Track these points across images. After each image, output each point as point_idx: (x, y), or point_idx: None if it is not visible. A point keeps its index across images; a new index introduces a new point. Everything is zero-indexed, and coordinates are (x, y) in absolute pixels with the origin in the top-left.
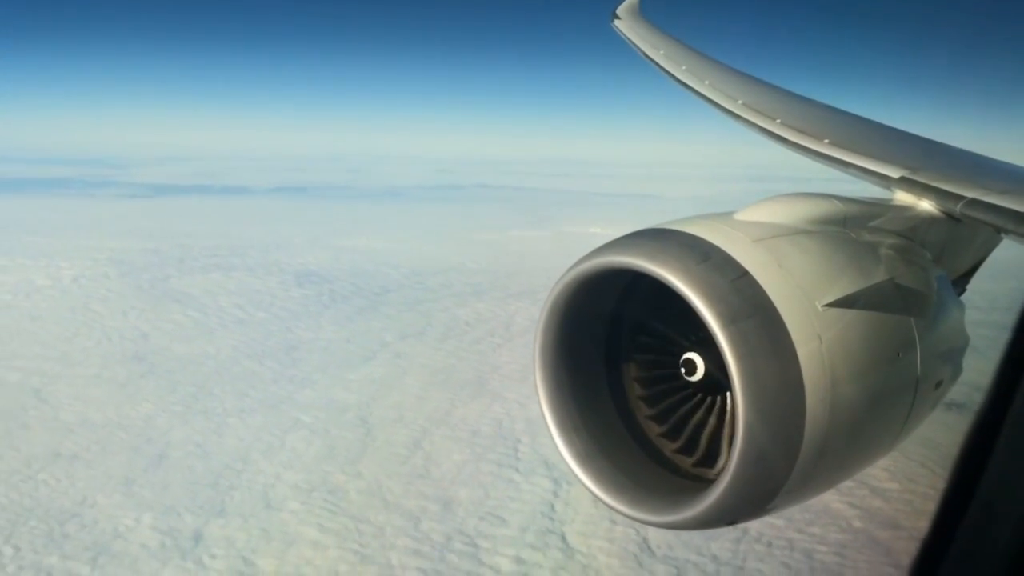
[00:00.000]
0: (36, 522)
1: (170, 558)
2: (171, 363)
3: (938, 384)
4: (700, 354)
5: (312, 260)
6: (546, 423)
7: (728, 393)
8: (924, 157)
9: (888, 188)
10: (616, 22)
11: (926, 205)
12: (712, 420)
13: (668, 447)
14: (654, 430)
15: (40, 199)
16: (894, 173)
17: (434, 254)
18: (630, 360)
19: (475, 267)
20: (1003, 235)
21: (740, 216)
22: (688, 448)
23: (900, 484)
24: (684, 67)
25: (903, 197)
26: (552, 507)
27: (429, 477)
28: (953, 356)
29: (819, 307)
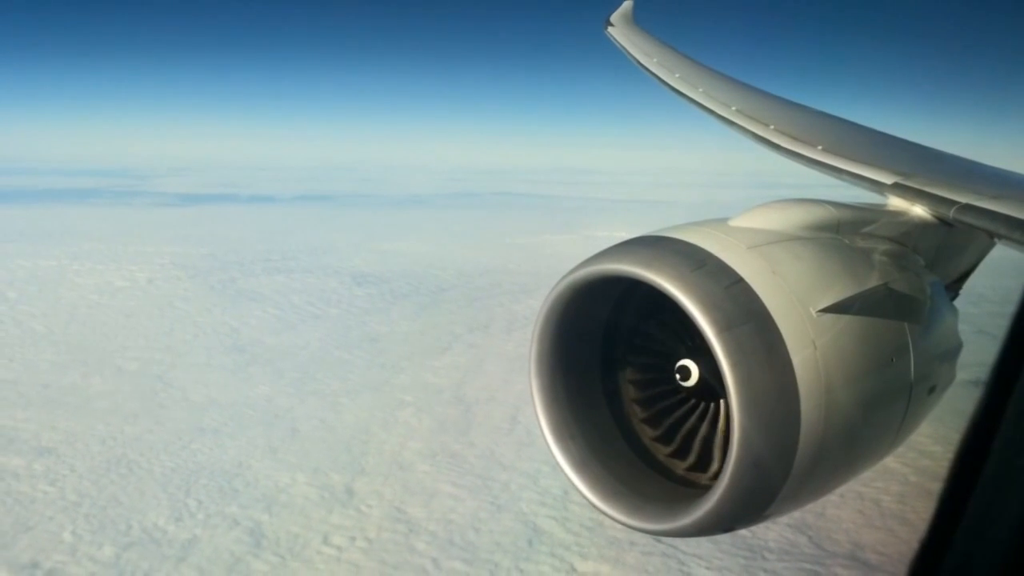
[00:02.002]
0: (206, 480)
1: (333, 507)
2: (269, 353)
3: (932, 389)
4: (695, 360)
5: (361, 263)
6: (541, 430)
7: (723, 399)
8: (917, 163)
9: (881, 194)
10: (610, 29)
11: (919, 211)
12: (705, 426)
13: (661, 451)
14: (648, 434)
15: (78, 208)
16: (887, 179)
17: (474, 257)
18: (625, 367)
19: (517, 269)
20: (996, 240)
21: (734, 223)
22: (681, 453)
23: (942, 447)
24: (677, 74)
25: (896, 203)
26: None
27: (534, 445)
28: (947, 361)
29: (813, 313)
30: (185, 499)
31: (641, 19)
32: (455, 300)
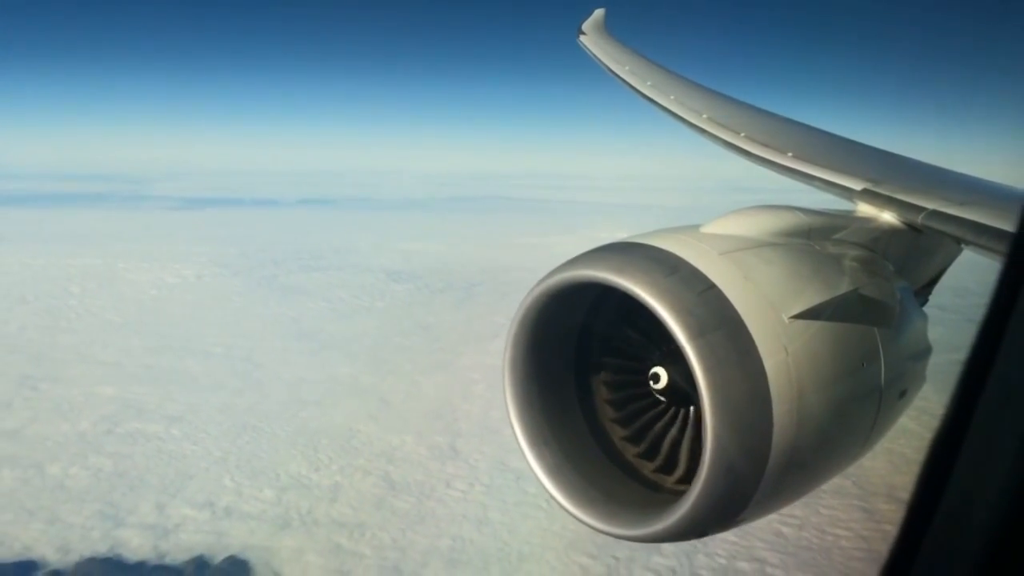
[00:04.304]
0: (327, 441)
1: (445, 461)
2: (335, 339)
3: (902, 393)
4: (668, 366)
5: (387, 261)
6: (516, 436)
7: (695, 405)
8: (885, 169)
9: (851, 200)
10: (582, 38)
11: (888, 217)
12: (675, 429)
13: (631, 451)
14: (618, 434)
15: (91, 212)
16: (856, 185)
17: (490, 256)
18: (599, 373)
19: (535, 266)
20: (963, 246)
21: (707, 229)
22: (650, 454)
23: None
24: (649, 82)
25: (865, 209)
26: None
27: None
28: (917, 365)
29: (785, 319)
30: (316, 455)
31: (613, 28)
32: (488, 294)
